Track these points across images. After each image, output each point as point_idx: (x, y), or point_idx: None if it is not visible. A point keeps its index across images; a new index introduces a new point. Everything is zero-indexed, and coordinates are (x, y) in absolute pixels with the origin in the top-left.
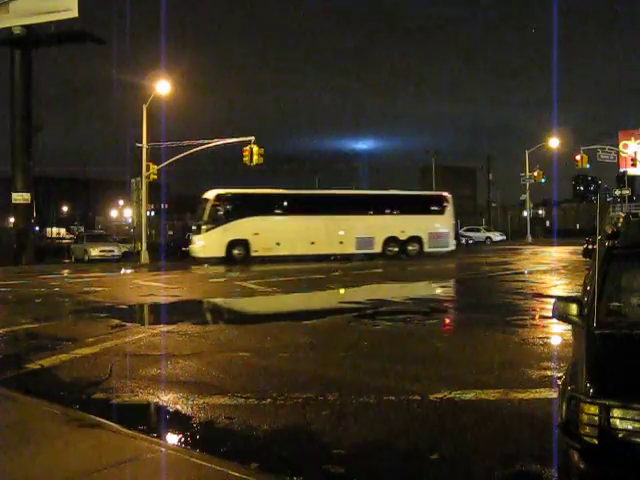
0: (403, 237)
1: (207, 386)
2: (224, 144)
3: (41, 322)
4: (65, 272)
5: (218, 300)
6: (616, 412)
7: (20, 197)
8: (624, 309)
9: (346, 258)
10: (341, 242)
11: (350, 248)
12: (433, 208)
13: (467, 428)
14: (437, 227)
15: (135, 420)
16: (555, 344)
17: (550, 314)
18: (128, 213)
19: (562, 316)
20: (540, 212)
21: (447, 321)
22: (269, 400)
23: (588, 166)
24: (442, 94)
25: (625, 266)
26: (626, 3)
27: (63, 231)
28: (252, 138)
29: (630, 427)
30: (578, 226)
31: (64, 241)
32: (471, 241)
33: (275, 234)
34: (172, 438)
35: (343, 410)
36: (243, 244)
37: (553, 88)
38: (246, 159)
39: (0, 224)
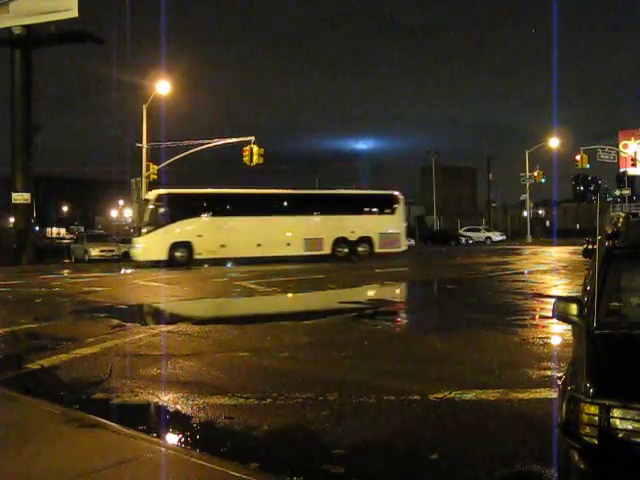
0: (353, 238)
1: (207, 386)
2: (224, 144)
3: (41, 322)
4: (65, 272)
5: (218, 300)
6: (616, 412)
7: (20, 197)
8: (624, 309)
9: (294, 260)
10: (288, 243)
11: (298, 249)
12: (384, 208)
13: (467, 428)
14: (388, 227)
15: (135, 420)
16: (555, 344)
17: (550, 314)
18: (128, 213)
19: (562, 316)
20: (540, 212)
21: (446, 321)
22: (269, 400)
23: (588, 166)
24: (442, 94)
25: (625, 266)
26: (626, 3)
27: (63, 231)
28: (252, 138)
29: (630, 427)
30: (578, 226)
31: (64, 241)
32: (471, 241)
33: (220, 236)
34: (172, 438)
35: (343, 410)
36: (186, 246)
37: (553, 88)
38: (246, 159)
39: (0, 224)
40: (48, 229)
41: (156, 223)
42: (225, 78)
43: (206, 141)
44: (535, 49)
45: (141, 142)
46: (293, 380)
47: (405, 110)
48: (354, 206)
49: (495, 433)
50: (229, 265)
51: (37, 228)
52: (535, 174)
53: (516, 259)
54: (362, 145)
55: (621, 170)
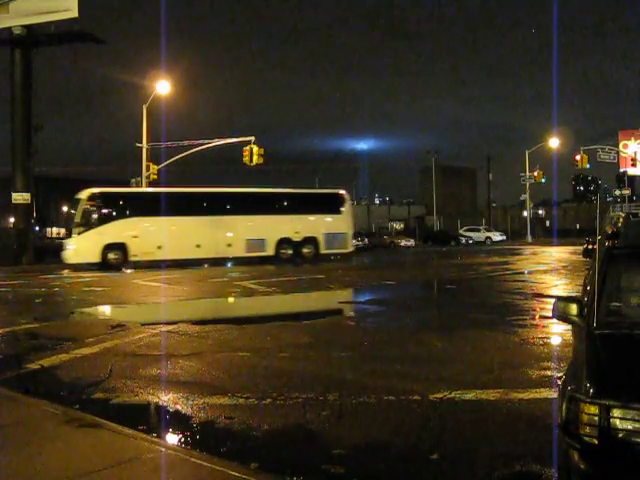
0: (297, 238)
1: (207, 386)
2: (224, 144)
3: (41, 322)
4: (65, 272)
5: (218, 300)
6: (616, 412)
7: (20, 197)
8: (624, 309)
9: (237, 262)
10: (229, 244)
11: (240, 251)
12: (330, 207)
13: (467, 428)
14: (334, 227)
15: (135, 420)
16: (555, 344)
17: (550, 314)
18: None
19: (562, 316)
20: (540, 212)
21: (447, 321)
22: (269, 400)
23: (588, 166)
24: (442, 94)
25: (625, 266)
26: (627, 3)
27: (63, 231)
28: (252, 138)
29: (630, 427)
30: (578, 226)
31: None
32: (471, 241)
33: (156, 237)
34: (172, 438)
35: (343, 410)
36: (120, 248)
37: (553, 88)
38: (246, 159)
39: (0, 224)
40: (48, 229)
41: (88, 224)
42: (225, 78)
43: (206, 141)
44: (535, 49)
45: (141, 142)
46: (293, 380)
47: (405, 110)
48: (299, 205)
49: (495, 433)
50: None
51: (37, 228)
52: (535, 174)
53: (516, 259)
54: (362, 145)
55: (621, 170)
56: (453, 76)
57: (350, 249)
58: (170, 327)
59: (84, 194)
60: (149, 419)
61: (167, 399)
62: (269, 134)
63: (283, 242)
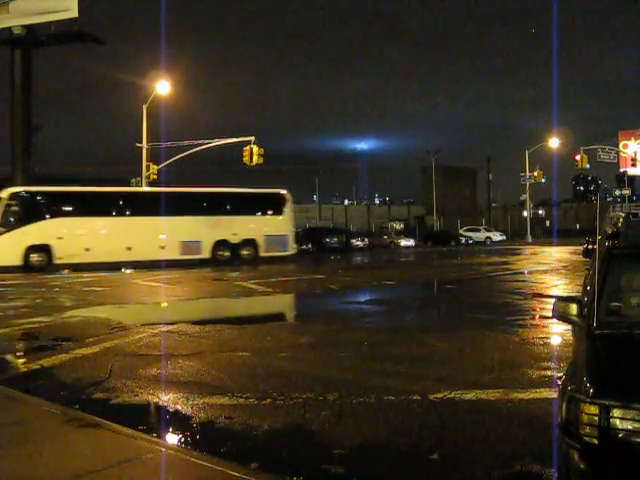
0: (235, 240)
1: (207, 386)
2: (224, 144)
3: (41, 322)
4: (65, 272)
5: (218, 300)
6: (616, 412)
7: None
8: (624, 309)
9: (170, 265)
10: (163, 247)
11: (174, 253)
12: (270, 208)
13: (467, 428)
14: (274, 229)
15: (135, 420)
16: (555, 344)
17: (550, 314)
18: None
19: (562, 316)
20: (540, 212)
21: (447, 321)
22: (269, 400)
23: (588, 166)
24: (443, 94)
25: (625, 266)
26: (627, 3)
27: None
28: (252, 138)
29: (630, 427)
30: (578, 226)
31: None
32: (471, 241)
33: (83, 238)
34: (172, 438)
35: (343, 410)
36: (44, 250)
37: (553, 88)
38: (246, 159)
39: None
40: None
41: (9, 224)
42: (225, 78)
43: (206, 141)
44: (535, 49)
45: (141, 142)
46: (293, 380)
47: (405, 110)
48: (237, 206)
49: (495, 433)
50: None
51: None
52: (535, 174)
53: (516, 259)
54: (362, 145)
55: (621, 170)
56: (453, 76)
57: (291, 251)
58: (170, 327)
59: (5, 193)
60: (149, 419)
61: (167, 399)
62: (269, 134)
63: (220, 244)
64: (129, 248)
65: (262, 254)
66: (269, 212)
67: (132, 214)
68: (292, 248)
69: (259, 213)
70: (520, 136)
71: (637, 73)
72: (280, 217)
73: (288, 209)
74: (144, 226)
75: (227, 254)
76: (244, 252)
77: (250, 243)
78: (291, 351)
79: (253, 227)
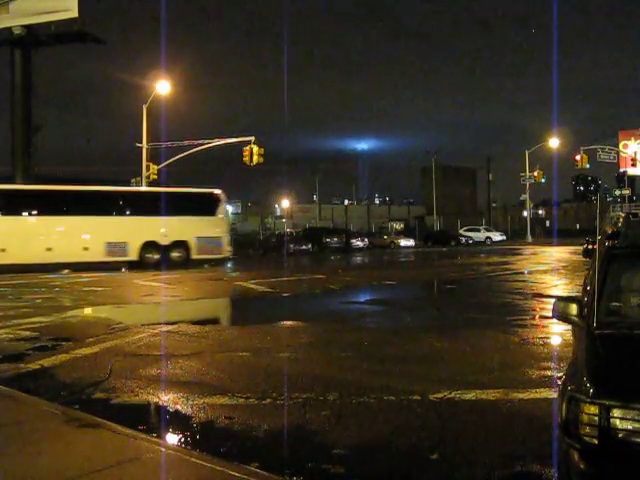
0: (165, 242)
1: (207, 386)
2: (224, 144)
3: (41, 322)
4: (65, 272)
5: (218, 300)
6: (616, 412)
7: None
8: (624, 309)
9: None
10: (86, 248)
11: (98, 255)
12: (203, 209)
13: (467, 428)
14: (208, 231)
15: (135, 420)
16: (555, 344)
17: (550, 314)
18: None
19: (562, 316)
20: (540, 212)
21: (447, 321)
22: (269, 400)
23: (588, 166)
24: (443, 94)
25: (625, 266)
26: (627, 3)
27: None
28: (252, 138)
29: (630, 427)
30: (578, 226)
31: None
32: (471, 241)
33: None
34: (172, 438)
35: (343, 410)
36: None
37: (553, 88)
38: (246, 159)
39: None
40: None
41: None
42: (225, 78)
43: (206, 141)
44: (535, 49)
45: (141, 142)
46: (293, 380)
47: (405, 110)
48: (167, 206)
49: (495, 433)
50: None
51: None
52: (535, 174)
53: (516, 259)
54: (362, 145)
55: (621, 170)
56: (453, 76)
57: (226, 254)
58: (170, 327)
59: None
60: (149, 419)
61: (167, 399)
62: (269, 134)
63: (148, 246)
64: (49, 249)
65: (194, 256)
66: (202, 213)
67: (53, 213)
68: (227, 251)
69: (191, 214)
70: (520, 136)
71: (637, 73)
72: (214, 218)
73: (222, 210)
74: (66, 226)
75: (156, 256)
76: (174, 254)
77: (181, 245)
78: (291, 351)
79: (185, 228)
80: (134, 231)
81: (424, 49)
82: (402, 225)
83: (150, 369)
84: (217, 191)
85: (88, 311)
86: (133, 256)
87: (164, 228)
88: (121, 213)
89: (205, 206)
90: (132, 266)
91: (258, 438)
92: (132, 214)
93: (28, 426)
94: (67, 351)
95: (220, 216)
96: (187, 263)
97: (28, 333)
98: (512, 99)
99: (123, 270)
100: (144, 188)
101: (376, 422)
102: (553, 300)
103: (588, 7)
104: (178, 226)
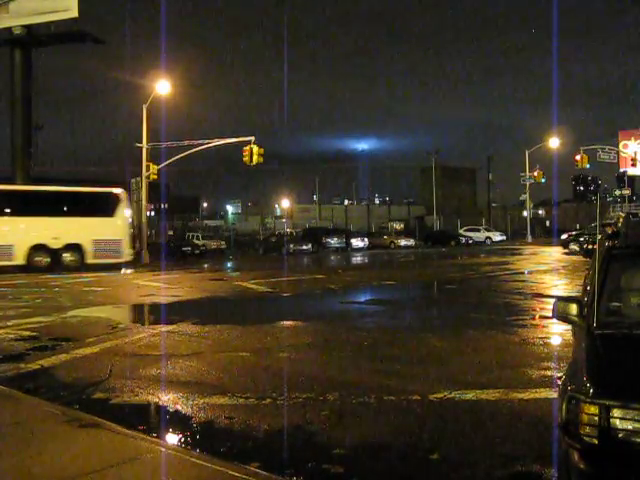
0: (57, 245)
1: (207, 386)
2: (224, 144)
3: (41, 322)
4: (65, 272)
5: (218, 300)
6: (616, 412)
7: None
8: (624, 309)
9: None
10: None
11: None
12: (101, 209)
13: (467, 428)
14: (105, 233)
15: (135, 420)
16: (555, 344)
17: (550, 314)
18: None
19: (562, 316)
20: (540, 212)
21: (447, 321)
22: (269, 400)
23: (588, 166)
24: (442, 94)
25: (625, 266)
26: (627, 3)
27: None
28: (252, 138)
29: (630, 427)
30: (578, 226)
31: None
32: (471, 241)
33: None
34: (172, 438)
35: (343, 410)
36: None
37: (553, 88)
38: (246, 159)
39: None
40: None
41: None
42: (225, 78)
43: (206, 141)
44: (535, 49)
45: (141, 142)
46: (293, 380)
47: (405, 110)
48: (60, 206)
49: (495, 433)
50: None
51: None
52: (535, 174)
53: (516, 259)
54: (362, 145)
55: (621, 170)
56: (453, 76)
57: (126, 258)
58: (170, 327)
59: None
60: (149, 419)
61: (167, 399)
62: (269, 134)
63: (38, 249)
64: None
65: (89, 261)
66: (99, 214)
67: None
68: (127, 254)
69: (87, 215)
70: (520, 136)
71: (637, 73)
72: (113, 219)
73: (123, 210)
74: None
75: (47, 260)
76: (67, 258)
77: (75, 248)
78: (291, 351)
79: (79, 230)
80: (21, 233)
81: (424, 49)
82: (402, 225)
83: (150, 369)
84: (117, 190)
85: (88, 311)
86: (20, 260)
87: (55, 230)
88: (5, 213)
89: (103, 206)
90: (20, 270)
91: (258, 438)
92: (18, 215)
93: (28, 426)
94: (67, 351)
95: (120, 217)
96: (81, 268)
97: (28, 333)
98: (512, 99)
99: (123, 271)
100: (32, 187)
101: (376, 422)
102: (553, 300)
103: (588, 7)
104: (71, 228)
